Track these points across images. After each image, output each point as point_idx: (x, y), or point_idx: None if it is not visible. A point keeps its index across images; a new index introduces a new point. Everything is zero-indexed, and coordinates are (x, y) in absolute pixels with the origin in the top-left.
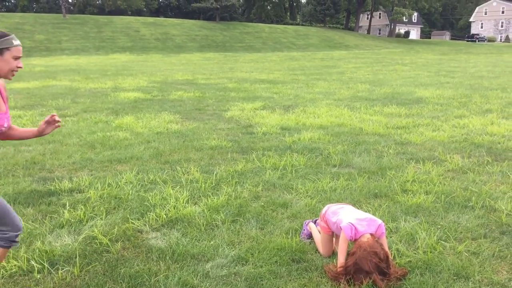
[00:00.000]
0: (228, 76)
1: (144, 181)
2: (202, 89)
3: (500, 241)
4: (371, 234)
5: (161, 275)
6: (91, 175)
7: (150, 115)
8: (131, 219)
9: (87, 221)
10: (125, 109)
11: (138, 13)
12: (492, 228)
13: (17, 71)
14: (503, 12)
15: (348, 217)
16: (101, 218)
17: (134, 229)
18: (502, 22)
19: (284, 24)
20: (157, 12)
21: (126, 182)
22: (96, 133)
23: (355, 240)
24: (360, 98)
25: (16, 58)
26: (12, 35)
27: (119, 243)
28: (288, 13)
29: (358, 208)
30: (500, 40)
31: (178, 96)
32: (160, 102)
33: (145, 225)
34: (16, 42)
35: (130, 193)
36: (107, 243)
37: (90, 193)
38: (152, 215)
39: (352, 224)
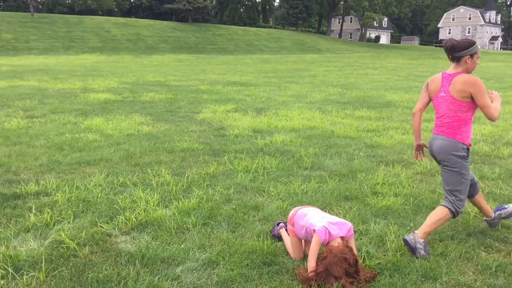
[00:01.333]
0: (200, 78)
1: (114, 183)
2: (174, 90)
3: (467, 242)
4: (342, 238)
5: (130, 280)
6: (59, 177)
7: (120, 116)
8: (100, 223)
9: (54, 225)
10: (95, 110)
11: (109, 13)
12: (459, 230)
13: None
14: (469, 19)
15: (320, 220)
16: (69, 222)
17: (103, 233)
18: (469, 28)
19: (257, 27)
20: (128, 12)
21: (95, 185)
22: (64, 135)
23: (327, 243)
24: (332, 101)
25: None
26: None
27: (87, 247)
28: (261, 16)
29: (329, 211)
30: None
31: (150, 97)
32: (131, 104)
33: (114, 228)
34: None
35: (99, 196)
36: (75, 247)
37: (58, 196)
38: (122, 219)
39: (326, 228)
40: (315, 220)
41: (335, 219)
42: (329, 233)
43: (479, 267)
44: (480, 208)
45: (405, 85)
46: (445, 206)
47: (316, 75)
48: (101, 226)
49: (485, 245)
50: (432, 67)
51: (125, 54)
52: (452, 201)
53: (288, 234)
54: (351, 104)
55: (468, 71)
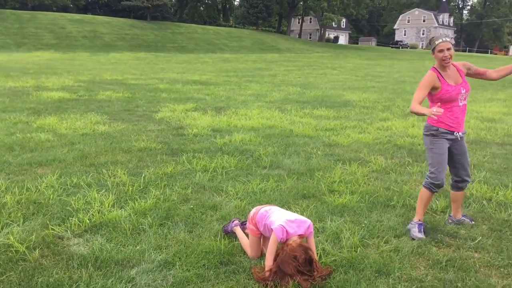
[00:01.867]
0: (159, 76)
1: (67, 185)
2: (132, 89)
3: None
4: (301, 235)
5: (82, 284)
6: (8, 179)
7: (75, 115)
8: (51, 225)
9: (2, 228)
10: (48, 109)
11: (64, 9)
12: None
13: None
14: (424, 21)
15: (279, 219)
16: (18, 225)
17: (54, 236)
18: (423, 30)
19: (217, 25)
20: (84, 9)
21: (46, 186)
22: (15, 135)
23: (285, 241)
24: (291, 101)
25: None
26: None
27: (37, 250)
28: (221, 15)
29: (287, 210)
30: (422, 47)
31: (106, 96)
32: (86, 102)
33: (66, 231)
34: None
35: (51, 198)
36: (24, 251)
37: (7, 198)
38: (75, 220)
39: (283, 227)
40: (274, 218)
41: (294, 216)
42: (287, 231)
43: (430, 262)
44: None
45: (363, 85)
46: (422, 184)
47: (276, 75)
48: (52, 229)
49: (436, 240)
50: (389, 67)
51: (81, 52)
52: (426, 176)
53: (247, 234)
54: (310, 104)
55: (438, 65)
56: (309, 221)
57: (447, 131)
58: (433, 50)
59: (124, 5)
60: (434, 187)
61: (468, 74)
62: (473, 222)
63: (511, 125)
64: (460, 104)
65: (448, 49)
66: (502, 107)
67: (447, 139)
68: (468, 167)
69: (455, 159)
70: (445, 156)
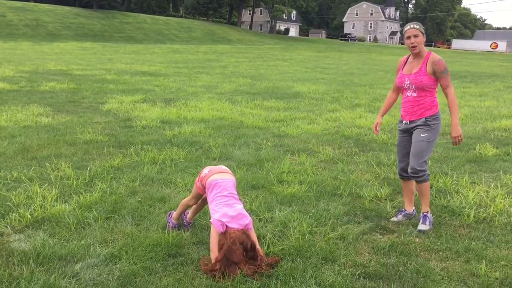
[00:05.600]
0: (106, 67)
1: (7, 179)
2: (77, 80)
3: (365, 225)
4: (240, 229)
5: (23, 280)
6: None
7: (16, 107)
8: None
9: None
10: None
11: None
12: (357, 214)
13: None
14: (371, 14)
15: (218, 210)
16: None
17: None
18: (371, 23)
19: (167, 15)
20: None
21: None
22: None
23: (225, 231)
24: (242, 92)
25: None
26: None
27: None
28: (171, 5)
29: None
30: (369, 40)
31: (50, 87)
32: (28, 94)
33: (6, 227)
34: None
35: None
36: None
37: None
38: (15, 216)
39: (221, 221)
40: (214, 206)
41: (234, 210)
42: (226, 225)
43: (374, 248)
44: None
45: (312, 76)
46: None
47: (227, 66)
48: None
49: (380, 227)
50: (337, 59)
51: (23, 41)
52: None
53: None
54: (261, 95)
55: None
56: (249, 218)
57: (401, 118)
58: (402, 36)
59: None
60: (399, 176)
61: (435, 75)
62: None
63: None
64: (408, 94)
65: (416, 35)
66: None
67: (400, 129)
68: (413, 158)
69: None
70: (399, 147)
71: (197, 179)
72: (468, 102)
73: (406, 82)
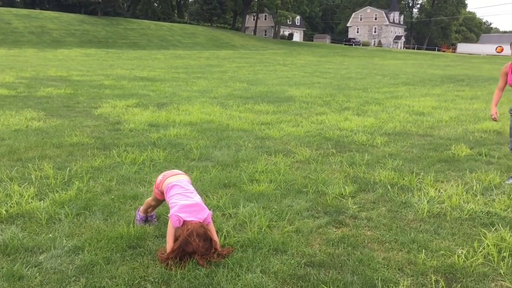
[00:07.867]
0: (106, 73)
1: None
2: (75, 86)
3: (322, 219)
4: (199, 222)
5: None
6: None
7: (10, 112)
8: None
9: None
10: None
11: (10, 3)
12: (318, 209)
13: None
14: (376, 19)
15: (178, 203)
16: None
17: None
18: (375, 28)
19: (172, 22)
20: (32, 3)
21: None
22: None
23: (183, 225)
24: (235, 96)
25: None
26: None
27: None
28: (176, 11)
29: (204, 198)
30: (374, 44)
31: (47, 92)
32: (24, 99)
33: None
34: None
35: None
36: None
37: None
38: None
39: (179, 216)
40: (173, 201)
41: (192, 200)
42: (184, 220)
43: (325, 240)
44: None
45: (309, 81)
46: None
47: (226, 71)
48: None
49: (337, 221)
50: (339, 64)
51: (28, 48)
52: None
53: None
54: (253, 99)
55: None
56: (207, 211)
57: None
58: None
59: (74, 0)
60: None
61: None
62: None
63: (437, 118)
64: None
65: None
66: (433, 101)
67: None
68: None
69: None
70: None
71: (154, 186)
72: (457, 105)
73: None
